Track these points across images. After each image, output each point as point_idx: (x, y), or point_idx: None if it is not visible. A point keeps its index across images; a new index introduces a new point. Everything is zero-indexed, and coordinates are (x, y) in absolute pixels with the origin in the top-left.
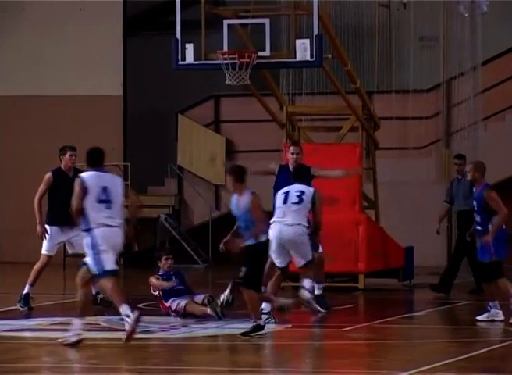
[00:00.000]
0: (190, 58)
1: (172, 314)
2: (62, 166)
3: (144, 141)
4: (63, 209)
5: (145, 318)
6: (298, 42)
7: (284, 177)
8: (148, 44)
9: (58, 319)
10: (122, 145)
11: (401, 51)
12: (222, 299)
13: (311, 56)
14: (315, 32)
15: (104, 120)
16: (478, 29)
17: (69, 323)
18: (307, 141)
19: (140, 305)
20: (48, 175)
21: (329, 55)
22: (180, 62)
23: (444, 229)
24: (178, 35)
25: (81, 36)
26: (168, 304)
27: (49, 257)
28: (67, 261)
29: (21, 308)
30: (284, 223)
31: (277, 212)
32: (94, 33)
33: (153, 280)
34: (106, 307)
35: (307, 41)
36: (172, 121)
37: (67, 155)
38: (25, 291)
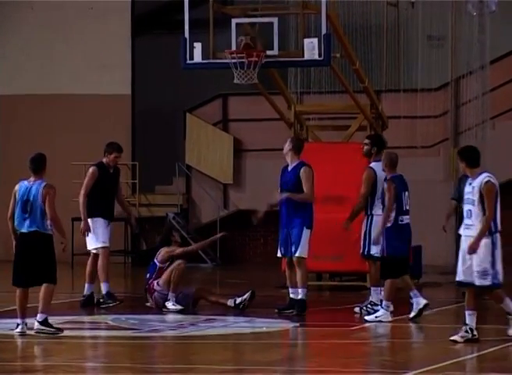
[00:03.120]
0: (198, 57)
1: (152, 297)
2: (105, 162)
3: (152, 140)
4: (107, 203)
5: (153, 317)
6: (306, 41)
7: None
8: (156, 43)
9: (67, 318)
10: (131, 144)
11: (409, 50)
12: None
13: (320, 55)
14: (323, 31)
15: (112, 119)
16: (487, 28)
17: (77, 322)
18: (315, 139)
19: (147, 304)
20: (93, 169)
21: (338, 54)
22: (188, 61)
23: (452, 228)
24: (186, 34)
25: (89, 35)
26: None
27: (108, 248)
28: (75, 259)
29: (111, 305)
30: None
31: None
32: (102, 33)
33: (173, 248)
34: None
35: (315, 40)
36: (180, 120)
37: (112, 156)
38: (104, 291)
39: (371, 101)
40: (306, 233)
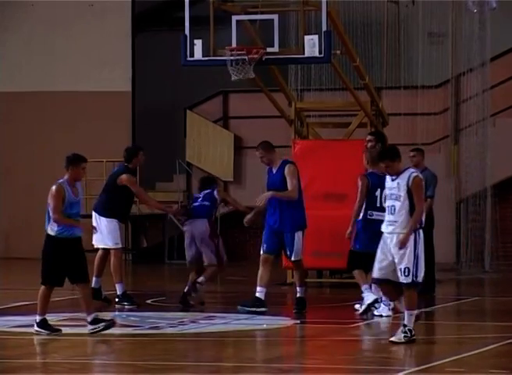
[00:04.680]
0: (198, 54)
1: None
2: (131, 166)
3: (152, 137)
4: (125, 206)
5: (153, 314)
6: (307, 38)
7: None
8: (157, 40)
9: (68, 315)
10: (131, 141)
11: (410, 47)
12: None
13: (320, 52)
14: (324, 28)
15: (112, 116)
16: (487, 25)
17: (78, 319)
18: (315, 137)
19: (148, 301)
20: (129, 176)
21: (338, 51)
22: (189, 58)
23: (453, 225)
24: (187, 31)
25: (90, 32)
26: None
27: (120, 249)
28: None
29: (127, 306)
30: None
31: None
32: (102, 29)
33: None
34: (106, 303)
35: (315, 37)
36: (180, 117)
37: (140, 155)
38: (119, 291)
39: (371, 98)
40: (298, 235)
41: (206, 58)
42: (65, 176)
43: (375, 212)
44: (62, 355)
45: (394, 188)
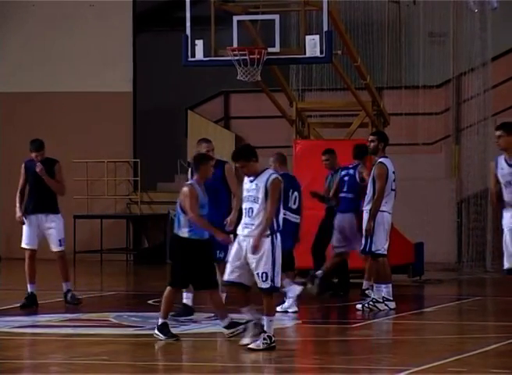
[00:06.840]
0: (199, 54)
1: None
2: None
3: (153, 138)
4: (28, 199)
5: (155, 314)
6: (308, 38)
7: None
8: (158, 41)
9: (69, 316)
10: (132, 142)
11: (411, 47)
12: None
13: (321, 52)
14: (325, 28)
15: (113, 117)
16: (488, 24)
17: (79, 319)
18: (316, 137)
19: (149, 302)
20: (22, 166)
21: (339, 51)
22: (190, 59)
23: (454, 225)
24: (188, 31)
25: (91, 32)
26: None
27: (30, 251)
28: (77, 257)
29: (26, 308)
30: None
31: None
32: (103, 30)
33: None
34: (74, 305)
35: (316, 37)
36: (181, 117)
37: (32, 155)
38: (28, 290)
39: (372, 98)
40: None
41: (207, 59)
42: (194, 177)
43: (287, 212)
44: (63, 355)
45: (253, 190)
